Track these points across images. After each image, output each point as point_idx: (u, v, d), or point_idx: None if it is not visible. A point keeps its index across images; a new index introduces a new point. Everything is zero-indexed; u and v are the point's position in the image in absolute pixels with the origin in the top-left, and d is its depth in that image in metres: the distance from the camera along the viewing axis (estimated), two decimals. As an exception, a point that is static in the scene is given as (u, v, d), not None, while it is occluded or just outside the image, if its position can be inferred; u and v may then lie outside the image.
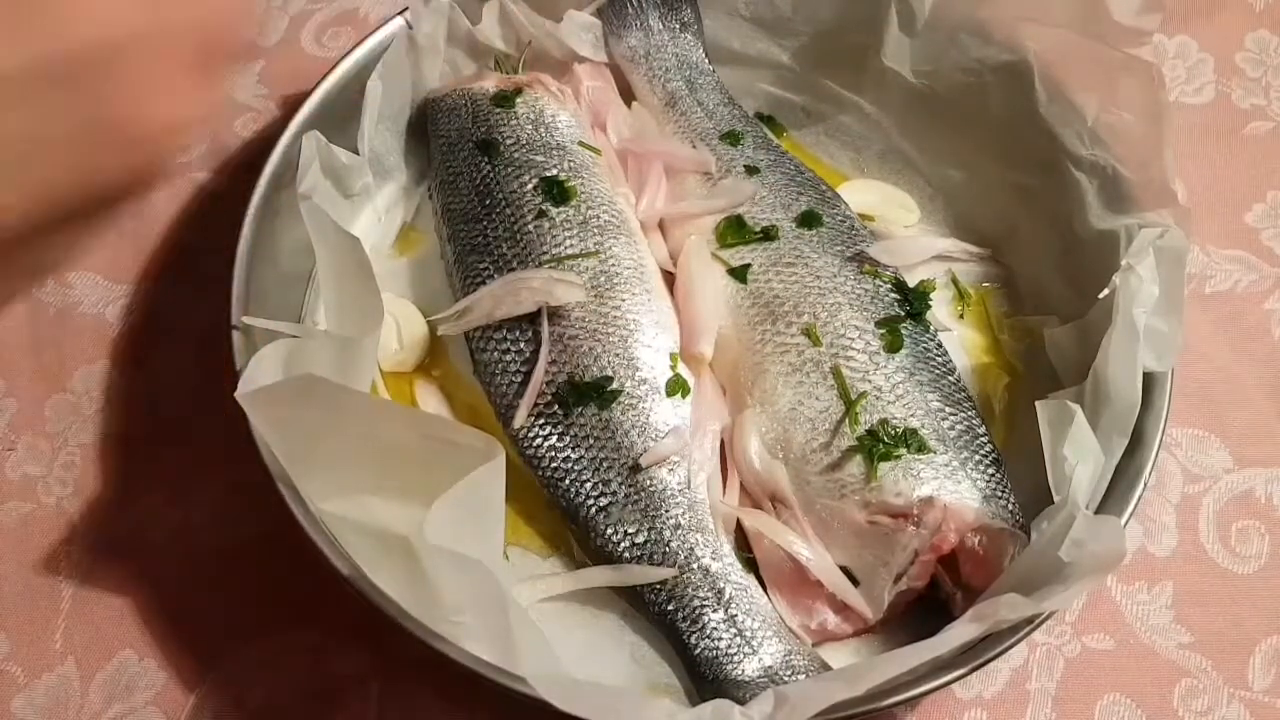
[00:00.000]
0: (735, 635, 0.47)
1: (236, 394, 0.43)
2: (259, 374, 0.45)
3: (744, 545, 0.50)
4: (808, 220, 0.56)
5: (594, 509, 0.49)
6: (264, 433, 0.44)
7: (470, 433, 0.43)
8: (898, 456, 0.48)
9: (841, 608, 0.48)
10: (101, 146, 0.26)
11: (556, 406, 0.50)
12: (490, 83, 0.60)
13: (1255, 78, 0.68)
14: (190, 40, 0.28)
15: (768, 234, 0.55)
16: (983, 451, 0.50)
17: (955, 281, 0.58)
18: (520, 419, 0.51)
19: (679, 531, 0.48)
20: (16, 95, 0.24)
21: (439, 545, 0.40)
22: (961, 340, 0.57)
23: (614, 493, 0.49)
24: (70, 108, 0.25)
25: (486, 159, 0.57)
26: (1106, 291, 0.50)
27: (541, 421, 0.50)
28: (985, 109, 0.58)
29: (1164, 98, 0.51)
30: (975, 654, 0.43)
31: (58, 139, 0.25)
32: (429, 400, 0.55)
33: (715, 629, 0.47)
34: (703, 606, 0.47)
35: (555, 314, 0.52)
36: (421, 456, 0.42)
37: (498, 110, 0.59)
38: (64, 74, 0.25)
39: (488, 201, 0.56)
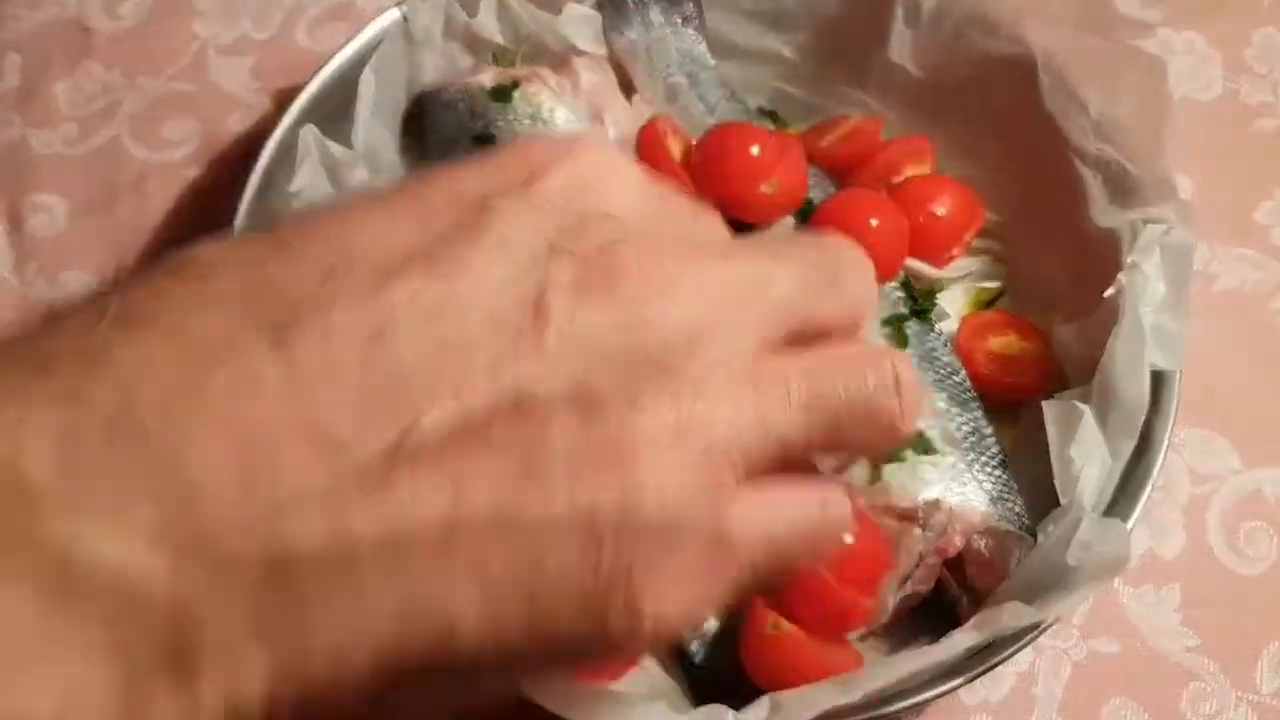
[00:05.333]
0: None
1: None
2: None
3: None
4: (810, 216, 0.55)
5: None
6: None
7: None
8: (903, 458, 0.47)
9: (844, 611, 0.47)
10: None
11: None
12: (487, 76, 0.59)
13: (1263, 74, 0.67)
14: None
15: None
16: (989, 453, 0.49)
17: (961, 280, 0.57)
18: None
19: (679, 533, 0.48)
20: None
21: None
22: (966, 339, 0.56)
23: (613, 495, 0.48)
24: None
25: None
26: (1112, 290, 0.49)
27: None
28: (990, 104, 0.58)
29: (1168, 91, 0.50)
30: (980, 659, 0.42)
31: None
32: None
33: (715, 635, 0.46)
34: (703, 611, 0.47)
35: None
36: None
37: (495, 104, 0.58)
38: None
39: (485, 197, 0.55)
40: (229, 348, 0.21)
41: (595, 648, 0.24)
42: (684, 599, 0.24)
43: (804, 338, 0.26)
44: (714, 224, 0.28)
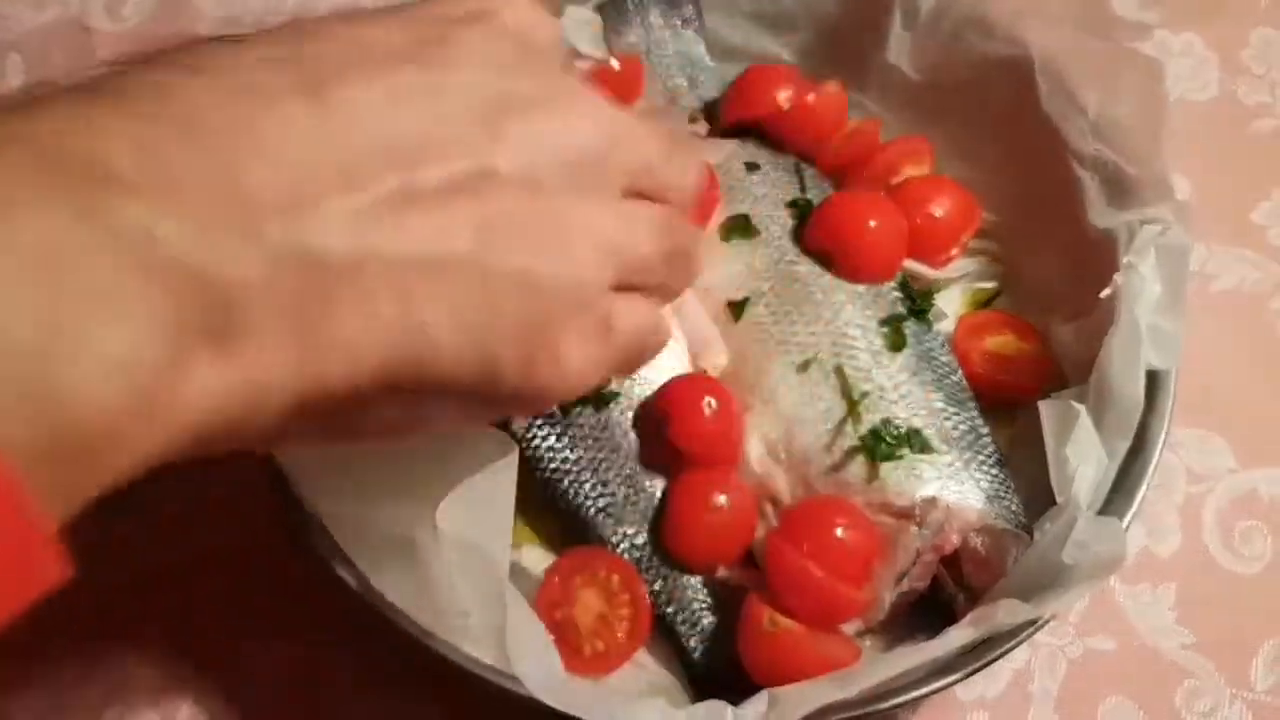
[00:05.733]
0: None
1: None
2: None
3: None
4: (809, 216, 0.55)
5: (593, 510, 0.49)
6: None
7: (481, 429, 0.43)
8: (900, 456, 0.48)
9: (842, 609, 0.47)
10: None
11: (555, 407, 0.50)
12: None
13: (1260, 74, 0.68)
14: None
15: (770, 231, 0.55)
16: (986, 452, 0.49)
17: (958, 280, 0.58)
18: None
19: (679, 532, 0.48)
20: None
21: (449, 533, 0.40)
22: (963, 339, 0.56)
23: (613, 494, 0.49)
24: None
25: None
26: (1108, 291, 0.50)
27: (540, 422, 0.50)
28: (988, 105, 0.58)
29: (1165, 93, 0.51)
30: (976, 655, 0.42)
31: None
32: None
33: (714, 631, 0.47)
34: (702, 609, 0.47)
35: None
36: (431, 453, 0.42)
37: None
38: None
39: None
40: (274, 96, 0.27)
41: (521, 394, 0.31)
42: (585, 360, 0.32)
43: (645, 191, 0.34)
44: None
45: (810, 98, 0.59)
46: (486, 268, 0.29)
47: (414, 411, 0.31)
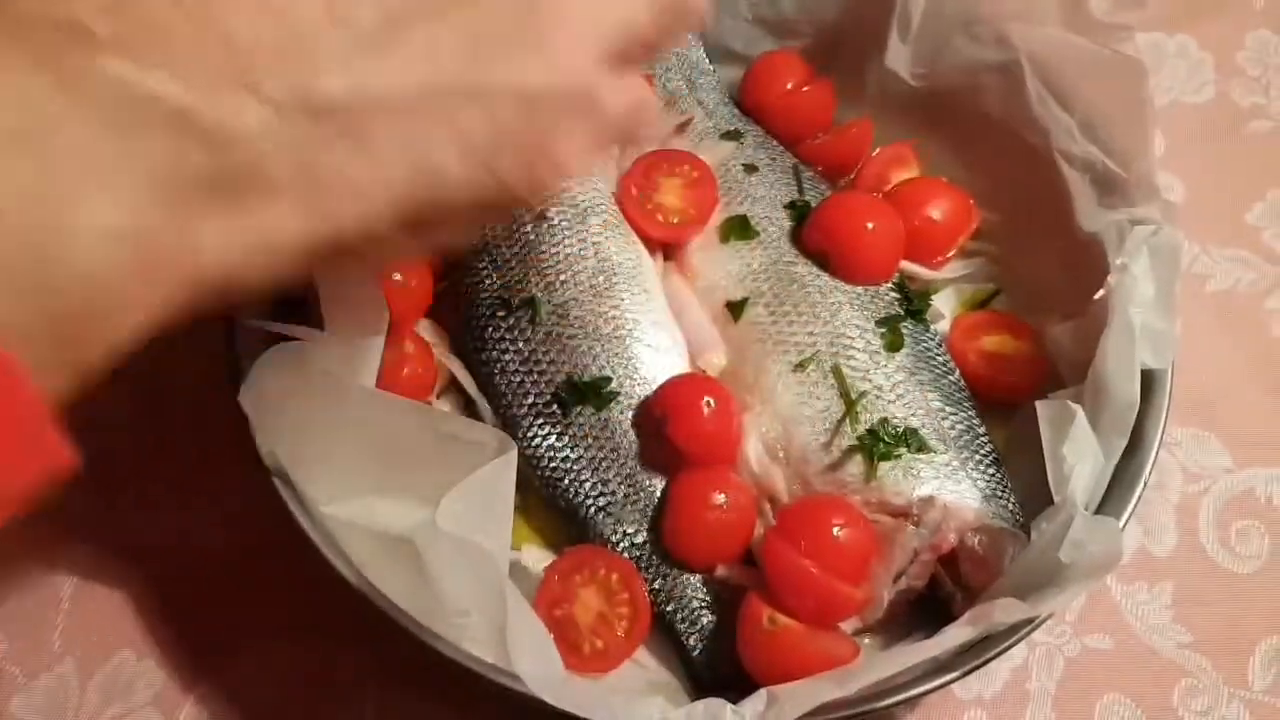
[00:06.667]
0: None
1: (240, 398, 0.43)
2: (263, 378, 0.45)
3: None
4: (806, 218, 0.56)
5: (593, 508, 0.49)
6: (266, 435, 0.44)
7: (480, 428, 0.43)
8: (898, 456, 0.48)
9: (840, 607, 0.48)
10: None
11: (555, 406, 0.50)
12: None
13: (1255, 76, 0.68)
14: None
15: (768, 233, 0.55)
16: (983, 451, 0.50)
17: (955, 281, 0.58)
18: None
19: (678, 531, 0.48)
20: None
21: (449, 532, 0.40)
22: (961, 340, 0.56)
23: (612, 492, 0.49)
24: None
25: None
26: (1102, 292, 0.50)
27: (540, 421, 0.50)
28: (982, 109, 0.58)
29: (1148, 93, 0.51)
30: (974, 654, 0.43)
31: None
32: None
33: (713, 629, 0.47)
34: (701, 608, 0.48)
35: (554, 313, 0.52)
36: (431, 453, 0.42)
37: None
38: None
39: (486, 201, 0.56)
40: None
41: (525, 197, 0.31)
42: (581, 153, 0.32)
43: None
44: None
45: (805, 89, 0.60)
46: (479, 87, 0.28)
47: (426, 236, 0.31)
